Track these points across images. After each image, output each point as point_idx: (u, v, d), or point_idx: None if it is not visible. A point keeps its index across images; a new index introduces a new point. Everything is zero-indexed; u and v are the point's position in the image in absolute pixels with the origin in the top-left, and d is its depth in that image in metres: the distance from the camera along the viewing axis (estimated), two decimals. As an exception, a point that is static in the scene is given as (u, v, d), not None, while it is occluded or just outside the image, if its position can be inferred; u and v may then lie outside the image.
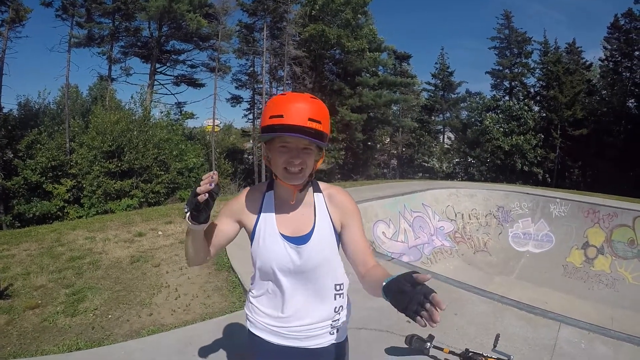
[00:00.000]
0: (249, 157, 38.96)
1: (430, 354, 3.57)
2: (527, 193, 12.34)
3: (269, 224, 1.69)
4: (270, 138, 1.59)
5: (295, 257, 1.66)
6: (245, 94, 37.84)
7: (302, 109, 1.49)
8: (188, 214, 1.50)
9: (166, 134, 19.64)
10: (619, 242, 10.02)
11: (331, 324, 1.78)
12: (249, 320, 1.88)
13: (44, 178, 20.68)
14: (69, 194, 20.43)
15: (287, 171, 1.58)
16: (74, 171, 20.13)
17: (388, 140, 40.88)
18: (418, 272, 1.21)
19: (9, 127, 23.63)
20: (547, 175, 32.03)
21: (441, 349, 3.56)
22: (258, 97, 35.79)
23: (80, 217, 16.70)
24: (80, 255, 6.57)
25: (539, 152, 31.36)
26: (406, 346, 3.67)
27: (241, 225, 1.77)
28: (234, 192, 24.83)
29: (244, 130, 42.01)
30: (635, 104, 32.37)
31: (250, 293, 1.87)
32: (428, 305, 1.12)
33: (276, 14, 30.34)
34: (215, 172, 1.46)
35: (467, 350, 3.46)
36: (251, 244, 1.74)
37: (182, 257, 6.43)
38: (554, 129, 31.68)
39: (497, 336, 3.54)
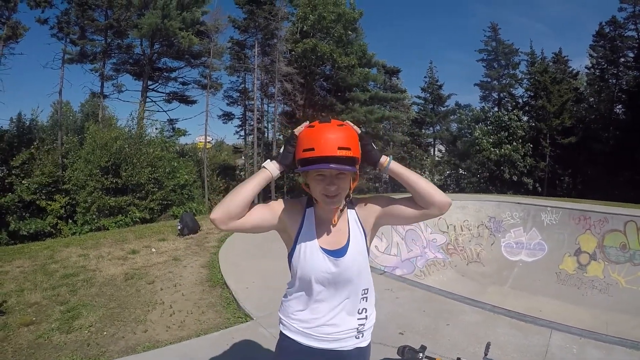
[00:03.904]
0: (241, 173, 38.97)
1: None
2: (518, 203, 12.43)
3: (310, 238, 1.82)
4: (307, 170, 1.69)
5: (333, 268, 1.80)
6: (237, 110, 37.97)
7: (331, 139, 1.62)
8: (274, 158, 1.71)
9: (159, 152, 19.65)
10: (611, 247, 10.08)
11: (357, 329, 1.92)
12: (282, 323, 1.98)
13: (38, 195, 20.67)
14: (63, 210, 20.39)
15: (326, 197, 1.70)
16: (67, 187, 20.06)
17: None
18: None
19: (4, 145, 23.61)
20: (538, 185, 32.10)
21: (433, 359, 3.62)
22: (249, 114, 35.83)
23: (74, 233, 16.65)
24: (74, 272, 6.59)
25: (528, 161, 31.52)
26: (398, 357, 3.72)
27: (280, 226, 1.88)
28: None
29: (236, 146, 42.07)
30: (622, 109, 32.69)
31: (285, 298, 1.99)
32: None
33: (267, 31, 30.57)
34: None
35: (458, 359, 3.53)
36: (292, 254, 1.87)
37: (176, 274, 6.48)
38: (543, 138, 31.87)
39: (488, 345, 3.58)
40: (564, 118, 31.35)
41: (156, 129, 24.13)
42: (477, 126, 34.34)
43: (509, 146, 31.38)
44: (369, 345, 2.05)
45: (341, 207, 1.83)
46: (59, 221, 20.31)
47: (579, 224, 10.81)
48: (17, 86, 50.31)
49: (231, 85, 37.02)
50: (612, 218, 10.22)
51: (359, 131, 1.71)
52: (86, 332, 4.62)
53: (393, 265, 9.84)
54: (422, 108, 42.90)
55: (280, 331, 2.00)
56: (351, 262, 1.81)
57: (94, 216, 17.20)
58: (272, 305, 2.05)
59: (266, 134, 37.07)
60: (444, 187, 34.52)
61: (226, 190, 31.15)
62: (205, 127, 29.34)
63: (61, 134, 23.62)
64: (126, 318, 4.97)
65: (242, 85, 36.52)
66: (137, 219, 16.42)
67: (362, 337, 1.96)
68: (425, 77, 44.01)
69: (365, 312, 1.95)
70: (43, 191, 20.89)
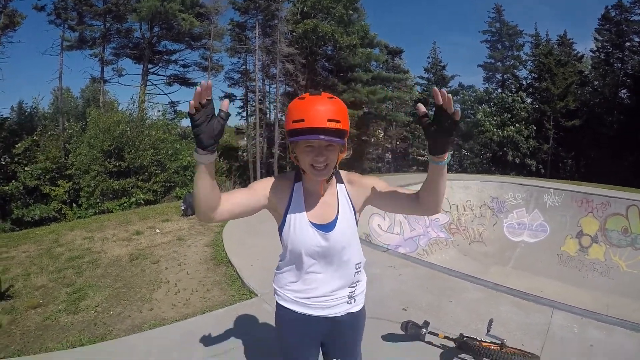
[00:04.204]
0: (244, 154, 38.89)
1: (425, 340, 3.66)
2: (521, 184, 12.41)
3: (299, 213, 1.85)
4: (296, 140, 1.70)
5: (323, 242, 1.84)
6: (239, 91, 37.82)
7: (321, 111, 1.62)
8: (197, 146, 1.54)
9: (162, 134, 19.59)
10: (613, 230, 10.09)
11: (348, 295, 1.97)
12: (276, 293, 2.05)
13: (41, 181, 20.69)
14: (67, 195, 20.42)
15: (314, 168, 1.72)
16: (70, 172, 20.09)
17: (382, 134, 40.87)
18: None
19: (6, 134, 23.63)
20: (541, 167, 32.02)
21: (436, 335, 3.64)
22: (251, 95, 35.72)
23: (78, 218, 16.66)
24: (79, 254, 6.63)
25: (531, 143, 31.35)
26: (402, 332, 3.75)
27: (269, 205, 1.90)
28: (229, 189, 24.81)
29: (238, 127, 41.90)
30: (627, 94, 32.48)
31: (278, 269, 2.06)
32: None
33: (268, 12, 30.28)
34: (210, 81, 1.49)
35: (461, 335, 3.55)
36: (282, 228, 1.90)
37: (181, 254, 6.50)
38: (547, 120, 31.69)
39: (490, 321, 3.61)
40: (568, 101, 31.16)
41: (158, 111, 24.08)
42: (480, 107, 34.11)
43: (512, 128, 31.20)
44: (362, 309, 2.10)
45: (328, 179, 1.87)
46: (63, 206, 20.33)
47: (581, 206, 10.82)
48: (16, 74, 50.33)
49: (232, 66, 36.95)
50: (615, 202, 10.22)
51: (452, 110, 1.56)
52: (92, 312, 4.65)
53: (396, 244, 9.86)
54: (425, 88, 42.50)
55: (276, 302, 2.07)
56: (340, 236, 1.86)
57: (98, 200, 17.20)
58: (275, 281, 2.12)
59: (268, 114, 36.91)
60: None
61: (229, 172, 31.18)
62: (207, 108, 29.12)
63: (63, 120, 23.56)
64: (132, 297, 4.99)
65: (244, 67, 36.36)
66: (141, 201, 16.43)
67: (354, 302, 2.01)
68: (428, 57, 43.55)
69: (357, 283, 2.02)
70: (46, 177, 20.91)
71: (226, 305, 4.64)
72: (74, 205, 19.74)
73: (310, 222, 1.85)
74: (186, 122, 32.32)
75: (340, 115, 1.66)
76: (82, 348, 3.81)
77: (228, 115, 1.55)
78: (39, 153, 21.31)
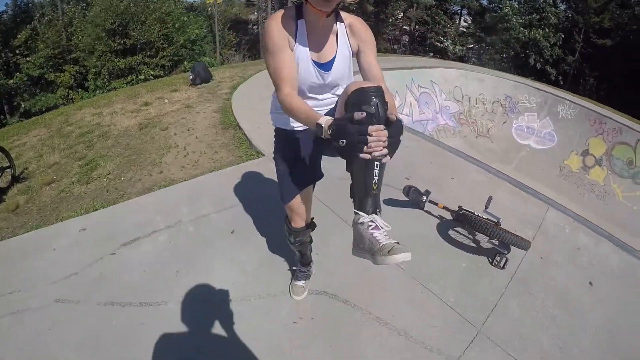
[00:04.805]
0: (254, 27, 37.49)
1: (425, 208, 3.74)
2: (538, 88, 11.75)
3: (303, 50, 1.88)
4: None
5: (321, 79, 1.96)
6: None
7: None
8: (330, 131, 1.50)
9: (167, 7, 18.72)
10: (618, 159, 9.70)
11: None
12: (274, 120, 2.28)
13: (45, 69, 20.15)
14: (73, 80, 20.03)
15: None
16: (75, 55, 19.61)
17: (401, 15, 38.15)
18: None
19: (2, 27, 22.81)
20: (561, 78, 30.00)
21: (436, 204, 3.71)
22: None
23: (85, 100, 16.65)
24: (89, 130, 6.59)
25: (556, 51, 29.15)
26: (403, 199, 3.78)
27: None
28: (238, 62, 24.25)
29: (248, 0, 39.97)
30: None
31: (275, 100, 2.16)
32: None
33: None
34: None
35: (460, 207, 3.56)
36: None
37: (190, 120, 6.42)
38: (577, 33, 29.10)
39: (490, 198, 3.56)
40: (604, 18, 28.08)
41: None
42: (508, 2, 31.10)
43: (539, 31, 28.78)
44: None
45: (329, 14, 1.81)
46: (69, 91, 19.94)
47: (593, 126, 10.26)
48: None
49: None
50: (627, 131, 9.61)
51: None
52: (105, 180, 4.71)
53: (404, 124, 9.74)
54: None
55: (275, 127, 2.30)
56: (336, 74, 1.97)
57: (105, 79, 17.01)
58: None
59: (281, -15, 34.68)
60: (464, 59, 32.23)
61: (238, 45, 30.26)
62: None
63: (61, 5, 22.50)
64: (142, 162, 5.01)
65: None
66: (151, 77, 16.17)
67: None
68: None
69: None
70: (49, 63, 20.27)
71: (233, 165, 4.64)
72: (81, 89, 19.58)
73: (312, 60, 1.91)
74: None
75: None
76: (96, 212, 3.90)
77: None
78: (39, 42, 20.53)
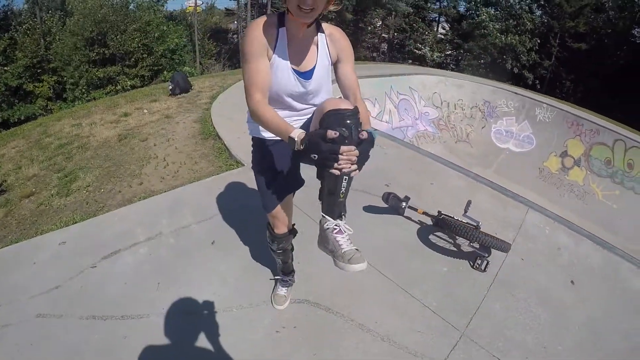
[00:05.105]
0: (234, 36, 37.48)
1: (404, 214, 3.79)
2: (515, 93, 12.00)
3: (283, 58, 1.91)
4: None
5: (301, 87, 1.97)
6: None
7: None
8: (302, 146, 1.61)
9: (147, 16, 18.58)
10: (596, 159, 9.96)
11: None
12: (250, 130, 2.30)
13: (23, 79, 19.86)
14: (51, 91, 19.76)
15: (300, 9, 1.71)
16: (53, 65, 19.33)
17: (380, 23, 38.41)
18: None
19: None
20: (538, 82, 30.51)
21: (415, 210, 3.74)
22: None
23: (64, 110, 16.42)
24: (68, 141, 6.51)
25: (533, 56, 29.71)
26: (383, 206, 3.80)
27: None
28: (218, 72, 24.19)
29: (228, 9, 39.95)
30: None
31: None
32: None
33: None
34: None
35: (439, 212, 3.60)
36: None
37: (169, 130, 6.38)
38: (553, 37, 29.73)
39: (469, 202, 3.59)
40: (579, 22, 28.81)
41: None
42: (484, 9, 31.57)
43: (516, 37, 29.33)
44: None
45: (309, 24, 1.85)
46: (48, 102, 19.72)
47: (570, 128, 10.52)
48: None
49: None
50: (604, 132, 9.91)
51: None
52: (84, 192, 4.65)
53: (383, 131, 9.88)
54: None
55: (252, 137, 2.30)
56: (316, 83, 2.00)
57: (84, 90, 16.81)
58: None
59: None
60: (442, 66, 32.58)
61: (218, 54, 30.17)
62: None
63: (40, 13, 22.21)
64: (122, 174, 4.97)
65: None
66: (128, 87, 16.04)
67: None
68: None
69: None
70: (27, 74, 19.98)
71: (213, 175, 4.62)
72: (60, 101, 19.30)
73: (292, 68, 1.93)
74: (172, 5, 30.72)
75: None
76: (75, 225, 3.84)
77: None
78: (17, 51, 20.26)
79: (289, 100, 2.02)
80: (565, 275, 3.37)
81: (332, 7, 1.83)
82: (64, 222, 3.96)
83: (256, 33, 1.86)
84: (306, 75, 1.96)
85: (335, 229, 1.85)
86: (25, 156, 6.25)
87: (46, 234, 3.76)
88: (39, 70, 20.14)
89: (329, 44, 2.00)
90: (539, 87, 29.97)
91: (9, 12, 25.66)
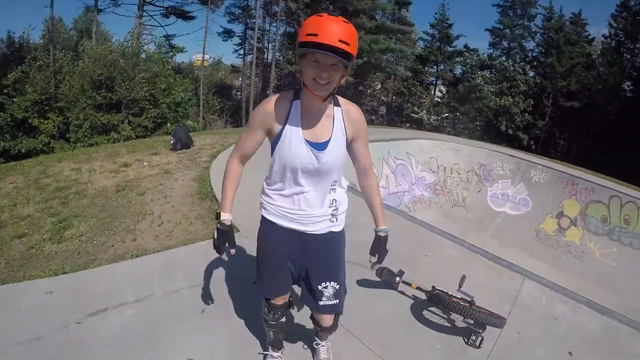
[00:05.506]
0: (237, 93, 38.42)
1: (398, 289, 3.82)
2: (511, 155, 12.41)
3: (295, 129, 1.96)
4: (305, 52, 1.78)
5: (314, 160, 1.98)
6: (238, 28, 36.97)
7: (334, 30, 1.70)
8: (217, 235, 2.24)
9: (156, 68, 19.05)
10: (593, 217, 10.22)
11: (331, 213, 2.18)
12: (263, 207, 2.25)
13: (29, 113, 20.06)
14: (56, 129, 19.91)
15: (316, 82, 1.80)
16: (60, 104, 19.57)
17: (379, 86, 40.00)
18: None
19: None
20: (532, 142, 31.75)
21: (409, 285, 3.74)
22: (250, 32, 34.86)
23: (66, 152, 16.50)
24: (66, 185, 6.57)
25: (526, 117, 31.01)
26: (376, 279, 3.84)
27: (268, 131, 2.05)
28: (220, 128, 24.60)
29: (234, 66, 41.22)
30: (631, 87, 31.54)
31: (267, 185, 2.23)
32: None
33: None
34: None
35: (433, 287, 3.63)
36: (276, 144, 2.02)
37: (167, 187, 6.49)
38: (546, 97, 31.25)
39: (463, 277, 3.64)
40: (571, 81, 30.65)
41: (155, 44, 23.39)
42: (479, 73, 33.29)
43: (509, 98, 30.76)
44: (342, 231, 2.31)
45: (325, 98, 1.92)
46: (51, 140, 19.84)
47: (565, 187, 10.87)
48: (5, 3, 47.54)
49: (233, 1, 35.75)
50: (599, 189, 10.27)
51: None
52: (77, 241, 4.67)
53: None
54: (429, 45, 40.59)
55: (262, 215, 2.26)
56: (330, 157, 2.00)
57: (87, 134, 16.95)
58: (259, 219, 2.20)
59: (266, 54, 36.14)
60: (439, 129, 33.61)
61: (221, 110, 30.79)
62: (204, 43, 28.63)
63: (54, 51, 22.79)
64: (116, 227, 5.01)
65: (245, 2, 35.33)
66: (133, 137, 16.19)
67: (335, 221, 2.21)
68: (436, 13, 41.58)
69: (336, 202, 2.19)
70: (35, 109, 20.20)
71: (208, 238, 4.67)
72: (62, 140, 19.40)
73: (305, 139, 1.96)
74: (180, 58, 31.61)
75: (350, 39, 1.73)
76: (65, 275, 3.85)
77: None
78: (27, 85, 20.54)
79: (301, 176, 2.03)
80: (563, 347, 3.35)
81: (343, 81, 1.92)
82: (53, 270, 3.94)
83: (266, 105, 2.00)
84: (320, 146, 1.98)
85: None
86: (22, 194, 6.26)
87: (34, 280, 3.75)
88: (46, 107, 20.39)
89: (345, 120, 2.04)
90: (534, 147, 30.91)
91: (24, 45, 26.32)
